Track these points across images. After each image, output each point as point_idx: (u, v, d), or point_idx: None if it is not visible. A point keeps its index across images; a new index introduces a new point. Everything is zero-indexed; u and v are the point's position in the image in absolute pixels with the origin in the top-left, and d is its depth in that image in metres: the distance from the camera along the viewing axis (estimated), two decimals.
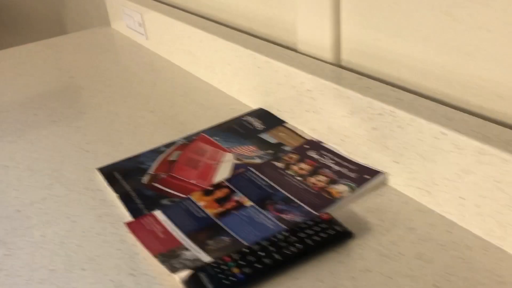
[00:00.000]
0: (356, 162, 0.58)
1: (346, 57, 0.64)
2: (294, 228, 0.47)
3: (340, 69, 0.62)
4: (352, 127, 0.57)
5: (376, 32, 0.58)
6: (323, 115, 0.61)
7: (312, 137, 0.64)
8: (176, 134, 0.71)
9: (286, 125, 0.68)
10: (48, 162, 0.67)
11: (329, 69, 0.62)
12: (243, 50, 0.73)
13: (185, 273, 0.44)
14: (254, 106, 0.76)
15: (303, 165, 0.59)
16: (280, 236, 0.46)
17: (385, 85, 0.55)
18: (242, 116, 0.72)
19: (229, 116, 0.74)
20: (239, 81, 0.77)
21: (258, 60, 0.70)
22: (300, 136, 0.65)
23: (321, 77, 0.59)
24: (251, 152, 0.63)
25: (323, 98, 0.60)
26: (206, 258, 0.46)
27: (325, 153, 0.60)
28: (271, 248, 0.45)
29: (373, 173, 0.55)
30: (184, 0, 0.99)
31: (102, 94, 0.87)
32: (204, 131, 0.69)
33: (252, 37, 0.76)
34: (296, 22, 0.69)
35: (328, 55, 0.65)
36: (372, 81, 0.57)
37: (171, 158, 0.64)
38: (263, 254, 0.44)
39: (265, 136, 0.66)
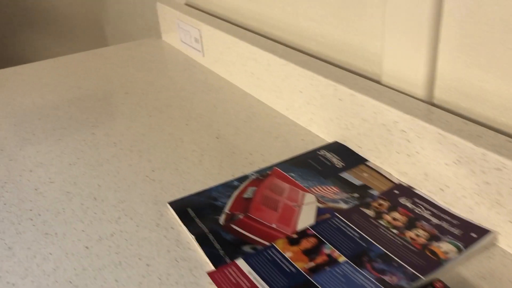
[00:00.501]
0: (458, 216, 0.52)
1: (440, 95, 0.59)
2: None
3: (441, 111, 0.56)
4: (457, 177, 0.51)
5: (483, 72, 0.52)
6: (419, 160, 0.55)
7: (401, 181, 0.59)
8: (245, 166, 0.66)
9: (369, 164, 0.63)
10: (113, 191, 0.63)
11: (427, 109, 0.56)
12: (321, 79, 0.68)
13: None
14: (328, 138, 0.71)
15: (396, 215, 0.53)
16: None
17: (498, 134, 0.50)
18: (318, 149, 0.67)
19: (300, 148, 0.69)
20: (312, 111, 0.72)
21: (340, 92, 0.65)
22: (386, 178, 0.60)
23: (420, 119, 0.54)
24: (333, 194, 0.58)
25: (420, 141, 0.54)
26: None
27: (420, 201, 0.55)
28: None
29: (481, 231, 0.49)
30: (248, 18, 0.95)
31: (161, 114, 0.83)
32: (278, 165, 0.65)
33: (329, 65, 0.72)
34: (382, 52, 0.64)
35: (419, 91, 0.60)
36: (481, 127, 0.51)
37: (245, 196, 0.59)
38: None
39: (347, 176, 0.61)
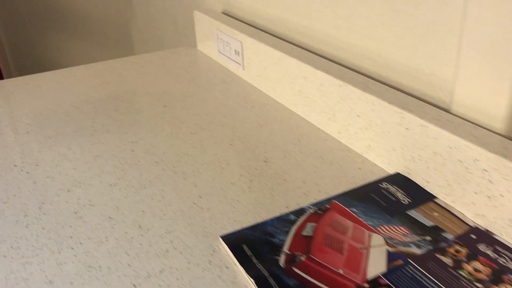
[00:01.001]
0: None
1: None
2: None
3: None
4: None
5: None
6: (503, 204, 0.50)
7: (477, 224, 0.53)
8: (300, 196, 0.61)
9: (438, 201, 0.58)
10: (158, 218, 0.58)
11: None
12: (385, 104, 0.63)
13: None
14: (388, 169, 0.65)
15: (478, 265, 0.48)
16: None
17: None
18: (380, 181, 0.62)
19: (358, 178, 0.64)
20: (371, 137, 0.67)
21: (407, 121, 0.60)
22: (460, 219, 0.54)
23: (508, 159, 0.48)
24: (403, 236, 0.52)
25: (507, 183, 0.49)
26: None
27: (503, 250, 0.49)
28: None
29: None
30: (293, 31, 0.90)
31: (203, 132, 0.79)
32: (337, 197, 0.60)
33: (393, 89, 0.66)
34: (455, 78, 0.59)
35: (498, 125, 0.54)
36: None
37: (305, 233, 0.54)
38: None
39: (415, 214, 0.56)
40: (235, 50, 1.01)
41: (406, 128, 0.60)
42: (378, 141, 0.66)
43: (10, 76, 2.17)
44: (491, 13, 0.52)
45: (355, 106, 0.69)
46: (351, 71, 0.74)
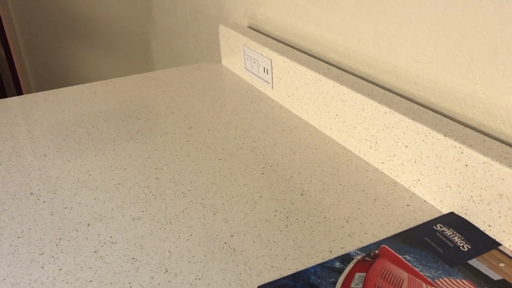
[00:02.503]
0: None
1: None
2: None
3: None
4: None
5: None
6: None
7: None
8: (344, 238, 0.55)
9: (503, 249, 0.51)
10: (187, 261, 0.52)
11: None
12: (440, 137, 0.56)
13: None
14: (441, 207, 0.59)
15: None
16: None
17: None
18: (433, 223, 0.56)
19: (407, 217, 0.58)
20: (420, 171, 0.60)
21: (466, 156, 0.53)
22: None
23: None
24: None
25: None
26: None
27: None
28: None
29: None
30: (326, 50, 0.84)
31: (232, 158, 0.73)
32: (386, 241, 0.53)
33: (447, 119, 0.60)
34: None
35: None
36: None
37: (353, 285, 0.48)
38: None
39: (478, 265, 0.49)
40: (264, 68, 0.95)
41: (465, 165, 0.54)
42: (430, 176, 0.59)
43: (30, 89, 2.14)
44: None
45: (403, 136, 0.62)
46: (396, 96, 0.68)
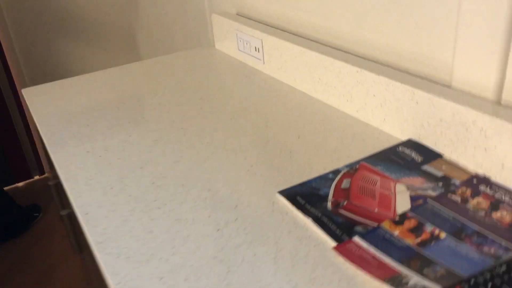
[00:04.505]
0: None
1: (507, 97, 0.68)
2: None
3: None
4: None
5: None
6: (496, 153, 0.65)
7: (478, 173, 0.68)
8: (333, 161, 0.75)
9: (445, 158, 0.73)
10: (222, 184, 0.72)
11: (503, 110, 0.66)
12: (397, 84, 0.77)
13: None
14: (402, 137, 0.80)
15: (480, 200, 0.63)
16: (501, 269, 0.50)
17: None
18: (396, 146, 0.77)
19: (377, 145, 0.79)
20: (385, 113, 0.82)
21: (417, 96, 0.74)
22: (463, 170, 0.69)
23: (498, 118, 0.63)
24: (421, 184, 0.67)
25: (498, 137, 0.64)
26: (434, 287, 0.50)
27: (497, 188, 0.64)
28: (497, 280, 0.49)
29: None
30: (310, 30, 1.05)
31: (240, 117, 0.92)
32: (363, 160, 0.74)
33: (402, 73, 0.81)
34: (453, 60, 0.73)
35: (489, 94, 0.69)
36: None
37: (343, 186, 0.68)
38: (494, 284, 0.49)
39: (428, 169, 0.70)
40: (255, 47, 1.15)
41: (416, 102, 0.75)
42: (392, 115, 0.80)
43: (25, 83, 2.27)
44: (482, 4, 0.66)
45: (370, 88, 0.83)
46: (367, 60, 0.88)
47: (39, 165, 2.48)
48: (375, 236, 0.58)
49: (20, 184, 2.46)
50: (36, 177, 2.50)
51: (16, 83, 2.27)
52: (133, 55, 2.45)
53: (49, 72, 2.32)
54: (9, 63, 2.21)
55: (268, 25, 1.19)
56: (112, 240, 0.62)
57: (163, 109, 0.99)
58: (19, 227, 2.02)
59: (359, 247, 0.56)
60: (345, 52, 0.96)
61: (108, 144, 0.86)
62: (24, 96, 1.12)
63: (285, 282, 0.53)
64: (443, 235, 0.57)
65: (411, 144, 0.77)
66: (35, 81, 2.31)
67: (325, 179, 0.70)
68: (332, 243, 0.58)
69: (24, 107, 2.32)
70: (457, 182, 0.67)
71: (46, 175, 2.52)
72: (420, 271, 0.52)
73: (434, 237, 0.57)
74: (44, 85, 1.18)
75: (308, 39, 1.06)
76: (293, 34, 1.10)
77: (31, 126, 2.38)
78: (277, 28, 1.15)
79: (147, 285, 0.54)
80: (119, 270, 0.57)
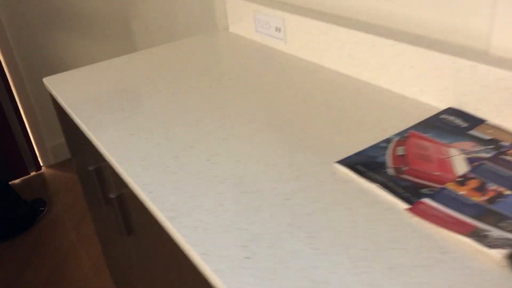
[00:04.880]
0: None
1: None
2: None
3: None
4: None
5: None
6: None
7: None
8: (382, 131, 0.78)
9: (488, 123, 0.76)
10: (277, 157, 0.73)
11: None
12: (436, 54, 0.80)
13: (504, 251, 0.51)
14: (441, 106, 0.83)
15: None
16: None
17: None
18: (438, 114, 0.79)
19: (418, 115, 0.81)
20: (423, 83, 0.84)
21: (458, 64, 0.77)
22: (509, 133, 0.72)
23: None
24: (472, 147, 0.70)
25: None
26: None
27: None
28: None
29: None
30: (336, 9, 1.06)
31: (269, 94, 0.94)
32: (411, 128, 0.77)
33: (440, 43, 0.83)
34: (491, 29, 0.76)
35: None
36: None
37: (398, 153, 0.71)
38: None
39: (475, 133, 0.73)
40: (275, 27, 1.16)
41: (458, 70, 0.77)
42: (431, 85, 0.83)
43: (21, 78, 2.22)
44: None
45: (408, 60, 0.85)
46: (400, 33, 0.90)
47: (35, 161, 2.44)
48: (443, 196, 0.61)
49: (17, 180, 2.42)
50: (33, 173, 2.47)
51: (9, 78, 2.22)
52: (129, 44, 2.42)
53: (44, 65, 2.27)
54: (1, 57, 2.15)
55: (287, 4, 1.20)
56: (185, 215, 0.63)
57: (193, 91, 0.99)
58: (28, 221, 1.99)
59: (431, 207, 0.59)
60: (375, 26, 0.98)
61: (150, 126, 0.87)
62: (47, 85, 1.11)
63: (369, 243, 0.55)
64: (507, 192, 0.60)
65: (453, 111, 0.80)
66: (30, 76, 2.26)
67: (379, 148, 0.73)
68: (403, 205, 0.61)
69: (18, 103, 2.27)
70: (506, 144, 0.70)
71: (42, 170, 2.49)
72: (495, 225, 0.55)
73: (499, 195, 0.60)
74: (63, 73, 1.16)
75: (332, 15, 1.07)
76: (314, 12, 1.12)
77: (26, 122, 2.33)
78: (307, 8, 1.16)
79: (232, 253, 0.56)
80: (200, 242, 0.58)
